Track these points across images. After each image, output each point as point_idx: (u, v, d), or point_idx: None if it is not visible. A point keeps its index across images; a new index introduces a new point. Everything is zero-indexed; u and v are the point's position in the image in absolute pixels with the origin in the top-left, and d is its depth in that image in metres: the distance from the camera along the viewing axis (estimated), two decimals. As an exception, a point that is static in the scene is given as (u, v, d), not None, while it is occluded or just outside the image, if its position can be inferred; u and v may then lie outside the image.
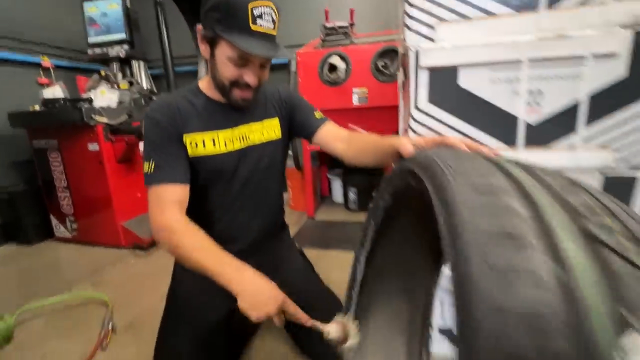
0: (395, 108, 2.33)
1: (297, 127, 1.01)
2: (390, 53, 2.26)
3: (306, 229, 2.45)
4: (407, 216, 0.71)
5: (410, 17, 0.93)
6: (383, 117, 2.37)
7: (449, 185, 0.36)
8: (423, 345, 0.89)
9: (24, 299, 1.57)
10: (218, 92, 0.87)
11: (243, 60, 0.77)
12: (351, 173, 2.79)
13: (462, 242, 0.29)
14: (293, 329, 1.11)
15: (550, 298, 0.24)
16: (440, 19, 0.92)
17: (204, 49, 0.82)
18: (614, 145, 0.86)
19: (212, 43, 0.79)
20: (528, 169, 0.40)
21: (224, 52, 0.77)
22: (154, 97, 2.70)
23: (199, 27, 0.79)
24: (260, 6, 0.72)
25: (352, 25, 2.45)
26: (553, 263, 0.25)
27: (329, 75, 2.33)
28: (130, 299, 1.59)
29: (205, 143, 0.87)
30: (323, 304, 1.09)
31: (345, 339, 0.72)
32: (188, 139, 0.85)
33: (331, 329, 0.73)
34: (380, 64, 2.26)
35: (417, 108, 0.96)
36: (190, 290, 0.99)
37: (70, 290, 1.70)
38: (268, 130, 0.96)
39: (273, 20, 0.76)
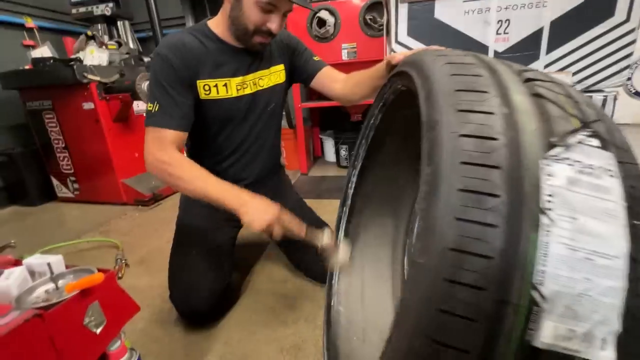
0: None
1: (297, 70, 1.07)
2: (378, 6, 2.27)
3: (299, 183, 2.56)
4: (395, 134, 0.81)
5: (391, -49, 0.98)
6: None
7: (430, 63, 0.43)
8: (405, 256, 1.03)
9: (37, 247, 1.69)
10: (232, 35, 0.89)
11: (271, 6, 0.79)
12: (343, 131, 2.88)
13: (434, 94, 0.36)
14: (287, 246, 1.23)
15: (497, 122, 0.31)
16: (419, -48, 0.97)
17: None
18: (572, 69, 0.95)
19: None
20: (498, 59, 0.47)
21: None
22: (143, 58, 2.70)
23: None
24: None
25: (340, -22, 2.42)
26: (503, 106, 0.33)
27: (318, 30, 2.35)
28: (138, 243, 1.72)
29: (219, 88, 0.91)
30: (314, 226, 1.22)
31: (335, 249, 0.79)
32: (201, 83, 0.88)
33: (324, 235, 0.79)
34: (368, 17, 2.28)
35: (397, 42, 1.04)
36: (198, 217, 1.11)
37: (80, 238, 1.82)
38: (275, 76, 1.02)
39: None
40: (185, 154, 1.09)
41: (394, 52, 1.01)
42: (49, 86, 2.14)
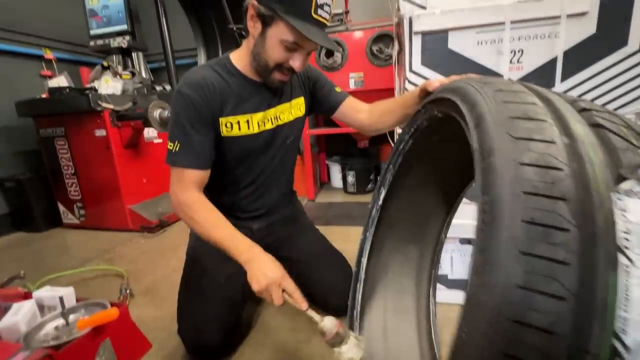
0: (390, 91, 2.44)
1: (319, 102, 1.06)
2: (384, 38, 2.36)
3: (307, 210, 2.53)
4: (423, 158, 0.80)
5: (404, -13, 1.02)
6: (379, 99, 2.47)
7: (476, 91, 0.42)
8: (431, 288, 0.98)
9: (41, 274, 1.64)
10: (254, 70, 0.88)
11: (295, 45, 0.78)
12: (349, 157, 2.89)
13: (486, 121, 0.34)
14: (299, 275, 1.17)
15: (559, 152, 0.29)
16: (431, -12, 1.01)
17: (253, 25, 0.81)
18: (588, 97, 0.96)
19: (266, 22, 0.77)
20: (546, 88, 0.46)
21: (278, 33, 0.76)
22: (155, 87, 2.77)
23: (253, 1, 0.77)
24: None
25: (347, 12, 2.54)
26: (563, 135, 0.31)
27: (326, 60, 2.42)
28: (144, 271, 1.67)
29: (240, 125, 0.90)
30: (328, 257, 1.18)
31: (339, 340, 0.66)
32: (224, 121, 0.88)
33: (326, 324, 0.67)
34: (375, 48, 2.36)
35: (412, 71, 1.05)
36: (209, 247, 1.07)
37: (83, 266, 1.77)
38: (295, 109, 1.02)
39: (329, 12, 0.77)
40: None
41: (408, 80, 1.02)
42: (63, 114, 2.19)
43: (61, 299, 0.55)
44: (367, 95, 2.49)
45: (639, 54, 0.90)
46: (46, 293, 0.57)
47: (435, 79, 0.71)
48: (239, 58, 0.91)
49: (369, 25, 2.49)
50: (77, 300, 0.59)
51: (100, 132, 2.16)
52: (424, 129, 0.73)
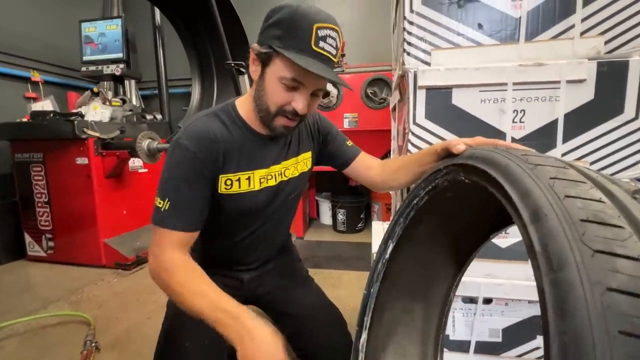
0: (382, 132, 2.48)
1: (330, 156, 1.00)
2: (378, 82, 2.43)
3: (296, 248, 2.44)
4: (435, 213, 0.76)
5: (409, 44, 1.04)
6: (372, 140, 2.50)
7: (526, 176, 0.38)
8: (437, 352, 0.91)
9: (-6, 318, 1.45)
10: (258, 120, 0.81)
11: (295, 82, 0.70)
12: (340, 195, 2.86)
13: (551, 222, 0.30)
14: (293, 333, 1.06)
15: None
16: (435, 46, 1.04)
17: (254, 69, 0.76)
18: (589, 159, 0.97)
19: (265, 61, 0.72)
20: (595, 171, 0.42)
21: (276, 71, 0.70)
22: (146, 116, 2.72)
23: (254, 45, 0.72)
24: (327, 28, 0.67)
25: (343, 56, 2.63)
26: None
27: (322, 100, 2.45)
28: (114, 317, 1.50)
29: (241, 182, 0.82)
30: (325, 315, 1.09)
31: None
32: (223, 178, 0.80)
33: None
34: (369, 91, 2.42)
35: (415, 123, 1.05)
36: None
37: (45, 309, 1.59)
38: (301, 164, 0.95)
39: (336, 47, 0.69)
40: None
41: (412, 132, 1.01)
42: (44, 139, 2.08)
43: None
44: (361, 135, 2.52)
45: (635, 122, 0.92)
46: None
47: (459, 140, 0.67)
48: (244, 106, 0.84)
49: (364, 68, 2.58)
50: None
51: (82, 160, 2.05)
52: (443, 189, 0.69)
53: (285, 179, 0.91)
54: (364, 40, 3.26)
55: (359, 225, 2.81)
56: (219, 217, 0.86)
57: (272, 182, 0.89)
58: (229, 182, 0.81)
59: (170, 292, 0.70)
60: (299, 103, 0.72)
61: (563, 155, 1.00)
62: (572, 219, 0.29)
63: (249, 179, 0.84)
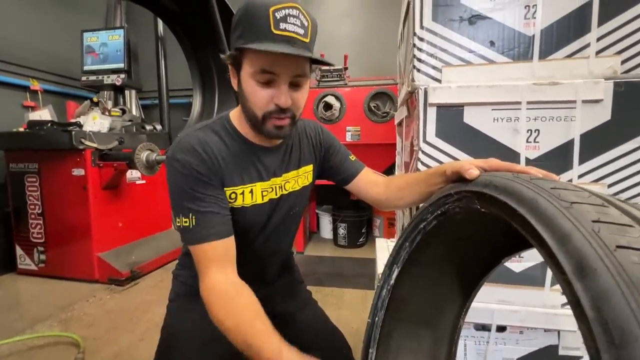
0: (385, 146, 2.45)
1: (332, 171, 0.97)
2: (381, 96, 2.41)
3: (297, 264, 2.37)
4: (445, 243, 0.71)
5: (419, 60, 1.02)
6: (374, 153, 2.46)
7: (566, 220, 0.34)
8: None
9: (-23, 339, 1.38)
10: (252, 131, 0.78)
11: (268, 74, 0.66)
12: (341, 209, 2.81)
13: (603, 280, 0.27)
14: None
15: None
16: (446, 63, 1.01)
17: (233, 80, 0.74)
18: (607, 181, 0.93)
19: (237, 67, 0.70)
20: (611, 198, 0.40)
21: (247, 70, 0.67)
22: (145, 126, 2.68)
23: (223, 56, 0.72)
24: (284, 8, 0.62)
25: (346, 69, 2.62)
26: None
27: (324, 112, 2.43)
28: (105, 338, 1.43)
29: (245, 196, 0.80)
30: (330, 340, 1.03)
31: None
32: (228, 191, 0.77)
33: None
34: (372, 104, 2.40)
35: (425, 141, 1.01)
36: (191, 325, 0.91)
37: (33, 329, 1.51)
38: (302, 178, 0.92)
39: (302, 25, 0.64)
40: (184, 256, 0.94)
41: (422, 151, 0.98)
42: (40, 149, 2.03)
43: None
44: (363, 149, 2.49)
45: (655, 143, 0.89)
46: None
47: (471, 163, 0.62)
48: (238, 118, 0.81)
49: (367, 82, 2.57)
50: None
51: (78, 171, 2.00)
52: (453, 214, 0.65)
53: (286, 192, 0.87)
54: (367, 53, 3.27)
55: (360, 240, 2.76)
56: None
57: (272, 195, 0.85)
58: (233, 196, 0.78)
59: (220, 322, 0.66)
60: (280, 97, 0.68)
61: (580, 177, 0.96)
62: (630, 278, 0.25)
63: (251, 192, 0.81)
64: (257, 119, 0.71)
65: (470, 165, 0.60)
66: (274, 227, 0.89)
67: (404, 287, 0.83)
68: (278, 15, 0.62)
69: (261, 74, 0.66)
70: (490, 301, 1.01)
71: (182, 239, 0.73)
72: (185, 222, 0.70)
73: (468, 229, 0.72)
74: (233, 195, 0.79)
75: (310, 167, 0.94)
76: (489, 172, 0.58)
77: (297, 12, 0.64)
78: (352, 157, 0.97)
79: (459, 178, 0.63)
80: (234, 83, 0.74)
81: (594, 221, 0.32)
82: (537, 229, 0.36)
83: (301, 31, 0.65)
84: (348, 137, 2.43)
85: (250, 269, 0.92)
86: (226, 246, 0.73)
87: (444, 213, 0.67)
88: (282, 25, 0.63)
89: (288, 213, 0.90)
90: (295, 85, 0.71)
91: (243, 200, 0.80)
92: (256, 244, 0.89)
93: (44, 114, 2.29)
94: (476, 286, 0.83)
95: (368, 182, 0.93)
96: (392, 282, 0.82)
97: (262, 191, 0.83)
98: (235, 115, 0.82)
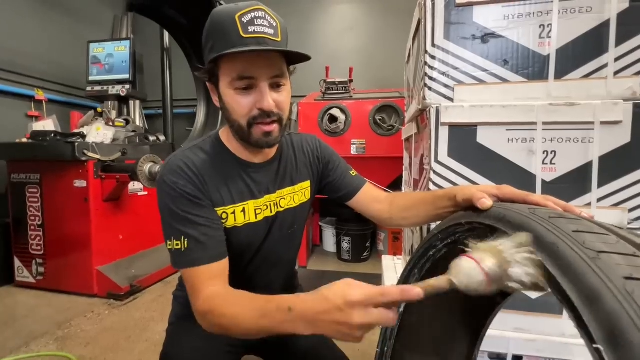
0: (391, 159, 2.42)
1: (331, 186, 0.94)
2: (387, 109, 2.40)
3: (300, 279, 2.32)
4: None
5: (431, 78, 0.99)
6: (380, 167, 2.43)
7: (594, 275, 0.30)
8: None
9: (-30, 358, 1.33)
10: (242, 147, 0.77)
11: (246, 80, 0.65)
12: (345, 222, 2.76)
13: (624, 328, 0.25)
14: None
15: None
16: (458, 82, 0.99)
17: (214, 97, 0.72)
18: (627, 206, 0.90)
19: (214, 81, 0.69)
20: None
21: (224, 80, 0.67)
22: (149, 137, 2.67)
23: (201, 72, 0.70)
24: (249, 12, 0.62)
25: (351, 81, 2.62)
26: None
27: (329, 125, 2.41)
28: (102, 359, 1.38)
29: (236, 215, 0.77)
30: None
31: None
32: (219, 211, 0.75)
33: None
34: (378, 117, 2.38)
35: (437, 161, 0.98)
36: (189, 352, 0.87)
37: (28, 347, 1.46)
38: (299, 194, 0.89)
39: (271, 25, 0.64)
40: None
41: (434, 171, 0.94)
42: (42, 160, 2.01)
43: None
44: (369, 162, 2.47)
45: (677, 168, 0.85)
46: None
47: (483, 190, 0.58)
48: (227, 135, 0.79)
49: (372, 95, 2.56)
50: None
51: (80, 183, 1.97)
52: (464, 243, 0.61)
53: (282, 209, 0.84)
54: (372, 66, 3.28)
55: (364, 254, 2.71)
56: None
57: (267, 213, 0.81)
58: (224, 216, 0.75)
59: (223, 332, 0.60)
60: (262, 101, 0.66)
61: (599, 200, 0.93)
62: None
63: (243, 210, 0.77)
64: (243, 129, 0.69)
65: (483, 195, 0.56)
66: (272, 246, 0.85)
67: (414, 314, 0.79)
68: (244, 19, 0.62)
69: (239, 81, 0.65)
70: (505, 329, 0.96)
71: (172, 262, 0.69)
72: (177, 244, 0.67)
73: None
74: (224, 215, 0.75)
75: (307, 184, 0.91)
76: (503, 204, 0.54)
77: (263, 13, 0.64)
78: (353, 172, 0.94)
79: (470, 206, 0.60)
80: (215, 99, 0.73)
81: (626, 278, 0.28)
82: (559, 282, 0.32)
83: (271, 31, 0.64)
84: (353, 150, 2.41)
85: (249, 291, 0.88)
86: (221, 268, 0.70)
87: (455, 242, 0.63)
88: (251, 28, 0.62)
89: (286, 231, 0.86)
90: (276, 87, 0.69)
91: (235, 220, 0.77)
92: (254, 264, 0.85)
93: (47, 124, 2.28)
94: (490, 314, 0.79)
95: (370, 199, 0.90)
96: (401, 309, 0.78)
97: (255, 209, 0.79)
98: (224, 133, 0.81)
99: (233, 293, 0.64)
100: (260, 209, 0.80)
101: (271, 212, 0.82)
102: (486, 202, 0.54)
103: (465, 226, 0.58)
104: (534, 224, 0.40)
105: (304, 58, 0.70)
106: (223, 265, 0.70)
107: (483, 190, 0.58)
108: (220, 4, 2.46)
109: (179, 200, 0.69)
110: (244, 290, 0.64)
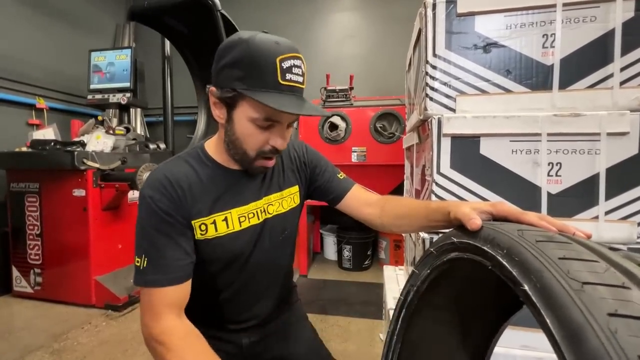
0: (392, 167, 2.40)
1: (319, 190, 0.93)
2: (387, 116, 2.39)
3: (299, 289, 2.29)
4: (456, 284, 0.65)
5: (432, 89, 0.98)
6: (381, 175, 2.41)
7: (576, 310, 0.29)
8: None
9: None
10: (231, 159, 0.76)
11: (269, 121, 0.67)
12: (346, 229, 2.74)
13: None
14: None
15: None
16: (460, 92, 0.97)
17: (219, 113, 0.71)
18: (637, 219, 0.87)
19: (231, 105, 0.68)
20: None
21: (245, 113, 0.66)
22: (149, 145, 2.66)
23: (212, 88, 0.69)
24: (290, 58, 0.64)
25: (351, 89, 2.61)
26: None
27: (329, 133, 2.40)
28: (98, 373, 1.35)
29: (217, 225, 0.75)
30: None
31: None
32: (197, 223, 0.73)
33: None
34: (379, 125, 2.36)
35: (439, 173, 0.96)
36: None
37: (23, 360, 1.44)
38: (288, 200, 0.87)
39: (302, 73, 0.67)
40: None
41: (436, 183, 0.92)
42: (41, 169, 2.01)
43: None
44: (370, 170, 2.45)
45: (686, 180, 0.83)
46: None
47: (476, 209, 0.55)
48: (214, 146, 0.78)
49: (373, 102, 2.55)
50: None
51: (79, 192, 1.96)
52: (461, 259, 0.59)
53: (270, 215, 0.82)
54: (372, 73, 3.27)
55: (365, 262, 2.67)
56: (203, 269, 0.76)
57: (254, 220, 0.79)
58: (203, 227, 0.73)
59: None
60: (277, 140, 0.69)
61: (607, 213, 0.90)
62: None
63: (225, 219, 0.75)
64: (248, 157, 0.71)
65: (474, 215, 0.54)
66: (264, 252, 0.83)
67: (414, 331, 0.76)
68: (285, 65, 0.63)
69: (263, 121, 0.66)
70: (512, 346, 0.93)
71: (133, 279, 0.68)
72: (138, 262, 0.66)
73: (481, 271, 0.66)
74: (203, 227, 0.73)
75: (295, 189, 0.89)
76: (494, 224, 0.52)
77: (300, 62, 0.66)
78: (341, 175, 0.92)
79: (461, 224, 0.58)
80: (217, 116, 0.71)
81: (610, 314, 0.26)
82: (542, 314, 0.30)
83: (301, 79, 0.67)
84: (354, 158, 2.39)
85: (240, 304, 0.85)
86: (182, 292, 0.69)
87: (451, 260, 0.61)
88: (288, 76, 0.64)
89: (277, 238, 0.84)
90: (288, 126, 0.71)
91: (216, 230, 0.74)
92: (248, 271, 0.82)
93: (47, 133, 2.28)
94: (496, 331, 0.77)
95: (360, 201, 0.87)
96: (402, 325, 0.75)
97: (239, 217, 0.77)
98: (211, 144, 0.80)
99: (194, 343, 0.65)
100: (245, 216, 0.79)
101: (258, 219, 0.80)
102: (476, 222, 0.52)
103: (457, 244, 0.56)
104: (521, 249, 0.39)
105: (326, 114, 0.75)
106: (183, 290, 0.69)
107: (476, 208, 0.56)
108: (222, 13, 2.47)
109: (152, 215, 0.68)
110: (203, 340, 0.66)
